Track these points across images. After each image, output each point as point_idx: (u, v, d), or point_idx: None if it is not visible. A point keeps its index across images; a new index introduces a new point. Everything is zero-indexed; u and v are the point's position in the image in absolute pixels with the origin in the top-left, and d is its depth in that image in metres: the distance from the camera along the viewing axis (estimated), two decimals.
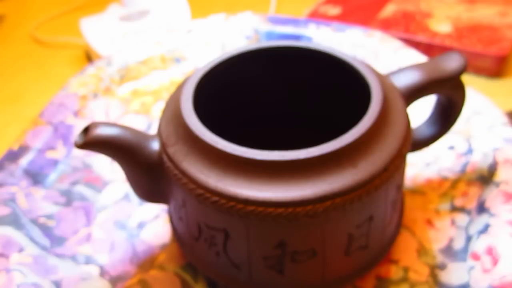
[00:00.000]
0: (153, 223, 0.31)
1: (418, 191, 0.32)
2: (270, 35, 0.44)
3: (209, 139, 0.22)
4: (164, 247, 0.30)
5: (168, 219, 0.29)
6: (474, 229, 0.28)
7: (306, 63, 0.29)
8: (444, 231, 0.29)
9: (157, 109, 0.40)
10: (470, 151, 0.32)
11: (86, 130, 0.23)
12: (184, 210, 0.24)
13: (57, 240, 0.30)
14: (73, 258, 0.29)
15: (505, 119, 0.33)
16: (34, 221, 0.31)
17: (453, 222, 0.30)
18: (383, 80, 0.26)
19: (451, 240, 0.29)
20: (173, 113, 0.25)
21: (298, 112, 0.33)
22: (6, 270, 0.27)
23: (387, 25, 0.47)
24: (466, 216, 0.30)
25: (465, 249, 0.28)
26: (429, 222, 0.30)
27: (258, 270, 0.24)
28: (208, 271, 0.26)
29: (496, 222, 0.27)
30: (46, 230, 0.31)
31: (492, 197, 0.29)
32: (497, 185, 0.29)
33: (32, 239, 0.29)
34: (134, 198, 0.33)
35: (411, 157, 0.34)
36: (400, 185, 0.26)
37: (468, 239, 0.28)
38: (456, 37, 0.45)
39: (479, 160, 0.32)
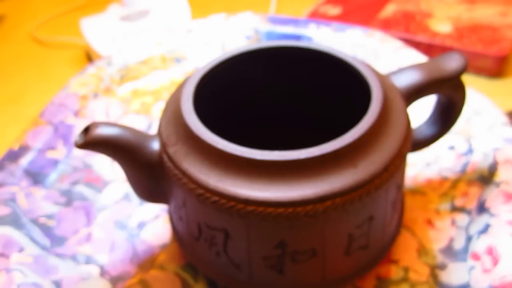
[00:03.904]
0: (153, 223, 0.31)
1: (418, 191, 0.32)
2: (270, 35, 0.44)
3: (209, 139, 0.22)
4: (164, 247, 0.30)
5: (168, 219, 0.29)
6: (474, 229, 0.28)
7: (307, 63, 0.29)
8: (444, 231, 0.29)
9: (157, 109, 0.40)
10: (470, 151, 0.32)
11: (87, 130, 0.23)
12: (184, 210, 0.24)
13: (57, 240, 0.30)
14: (73, 258, 0.29)
15: (505, 119, 0.33)
16: (34, 221, 0.31)
17: (453, 222, 0.30)
18: (383, 80, 0.26)
19: (451, 240, 0.29)
20: (173, 113, 0.25)
21: (298, 112, 0.33)
22: (6, 270, 0.27)
23: (387, 25, 0.47)
24: (466, 216, 0.30)
25: (466, 249, 0.28)
26: (429, 222, 0.30)
27: (258, 270, 0.24)
28: (208, 271, 0.26)
29: (496, 222, 0.27)
30: (46, 230, 0.31)
31: (493, 197, 0.29)
32: (498, 185, 0.29)
33: (33, 239, 0.29)
34: (134, 198, 0.33)
35: (411, 157, 0.34)
36: (400, 185, 0.26)
37: (468, 239, 0.28)
38: (457, 37, 0.45)
39: (479, 160, 0.32)
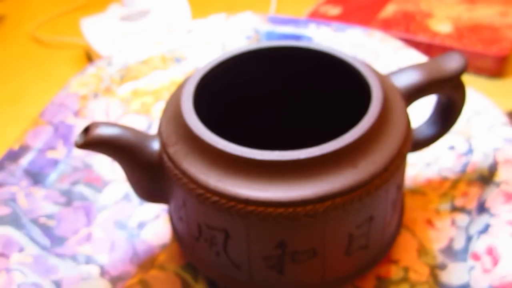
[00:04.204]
0: (153, 223, 0.31)
1: (419, 191, 0.32)
2: (270, 35, 0.44)
3: (209, 139, 0.22)
4: (164, 247, 0.30)
5: (168, 219, 0.29)
6: (474, 229, 0.28)
7: (307, 63, 0.29)
8: (444, 231, 0.29)
9: (158, 109, 0.40)
10: (470, 151, 0.32)
11: (87, 130, 0.23)
12: (184, 210, 0.24)
13: (57, 240, 0.30)
14: (74, 258, 0.29)
15: (505, 119, 0.33)
16: (35, 221, 0.31)
17: (453, 222, 0.30)
18: (384, 80, 0.26)
19: (451, 240, 0.29)
20: (173, 113, 0.25)
21: (298, 112, 0.33)
22: (6, 270, 0.27)
23: (387, 25, 0.47)
24: (466, 216, 0.30)
25: (466, 249, 0.28)
26: (430, 222, 0.30)
27: (258, 270, 0.24)
28: (208, 271, 0.26)
29: (496, 222, 0.27)
30: (46, 230, 0.31)
31: (493, 197, 0.29)
32: (498, 185, 0.29)
33: (33, 239, 0.29)
34: (135, 198, 0.33)
35: (412, 157, 0.34)
36: (400, 185, 0.26)
37: (469, 239, 0.28)
38: (457, 37, 0.45)
39: (479, 160, 0.32)
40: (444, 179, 0.32)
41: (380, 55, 0.40)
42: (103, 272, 0.29)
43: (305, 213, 0.21)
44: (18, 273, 0.27)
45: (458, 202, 0.31)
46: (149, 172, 0.25)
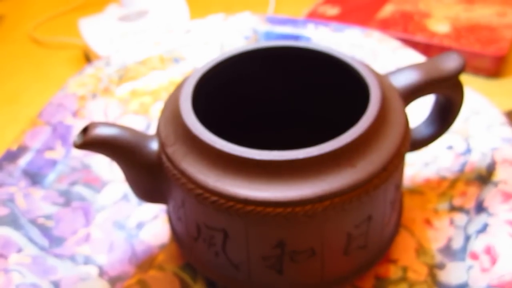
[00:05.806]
0: (152, 223, 0.31)
1: (417, 190, 0.32)
2: (268, 35, 0.44)
3: (208, 139, 0.22)
4: (163, 247, 0.30)
5: (167, 219, 0.29)
6: (472, 228, 0.28)
7: (305, 63, 0.29)
8: (442, 231, 0.30)
9: (156, 109, 0.40)
10: (468, 150, 0.33)
11: (85, 130, 0.23)
12: (183, 210, 0.24)
13: (56, 241, 0.30)
14: (72, 258, 0.29)
15: (503, 118, 0.33)
16: (33, 222, 0.31)
17: (451, 222, 0.30)
18: (382, 80, 0.26)
19: (449, 240, 0.29)
20: (172, 113, 0.25)
21: (297, 112, 0.33)
22: (4, 271, 0.27)
23: (385, 25, 0.47)
24: (464, 216, 0.30)
25: (464, 248, 0.28)
26: (428, 222, 0.30)
27: (257, 270, 0.24)
28: (207, 271, 0.26)
29: (494, 221, 0.27)
30: (45, 231, 0.31)
31: (491, 196, 0.29)
32: (496, 184, 0.29)
33: (31, 240, 0.29)
34: (133, 198, 0.33)
35: (410, 156, 0.34)
36: (399, 185, 0.26)
37: (467, 238, 0.28)
38: (455, 37, 0.45)
39: (477, 159, 0.32)
40: (442, 179, 0.32)
41: (378, 55, 0.41)
42: (101, 273, 0.29)
43: (304, 213, 0.21)
44: (17, 274, 0.27)
45: (457, 201, 0.31)
46: (148, 172, 0.25)
